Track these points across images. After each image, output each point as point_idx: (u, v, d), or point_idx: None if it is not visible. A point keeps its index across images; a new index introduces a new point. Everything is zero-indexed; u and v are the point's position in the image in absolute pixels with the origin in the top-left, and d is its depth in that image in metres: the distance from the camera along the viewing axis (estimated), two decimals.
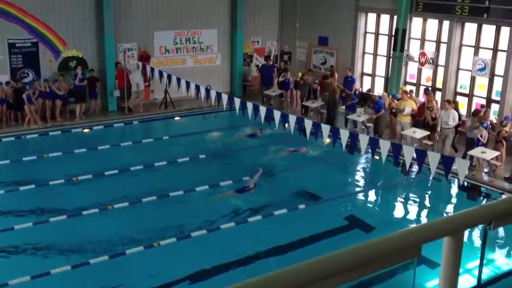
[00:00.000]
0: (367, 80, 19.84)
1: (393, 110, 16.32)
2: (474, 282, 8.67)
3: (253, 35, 22.00)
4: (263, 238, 10.73)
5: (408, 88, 17.61)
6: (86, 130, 17.32)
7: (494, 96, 15.97)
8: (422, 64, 17.42)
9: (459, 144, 14.93)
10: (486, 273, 9.65)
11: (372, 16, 19.27)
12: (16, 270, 9.28)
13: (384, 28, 18.92)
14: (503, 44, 15.46)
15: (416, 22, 17.75)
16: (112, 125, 17.89)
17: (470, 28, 16.33)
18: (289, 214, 11.68)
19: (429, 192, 14.07)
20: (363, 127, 17.01)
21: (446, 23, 16.82)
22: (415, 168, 13.59)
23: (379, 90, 18.85)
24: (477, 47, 16.18)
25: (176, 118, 19.04)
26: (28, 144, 16.27)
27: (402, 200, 13.68)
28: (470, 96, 16.61)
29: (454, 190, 13.75)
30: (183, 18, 20.32)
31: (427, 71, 17.71)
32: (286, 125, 13.82)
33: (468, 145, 14.28)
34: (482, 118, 14.24)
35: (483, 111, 14.71)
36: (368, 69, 19.73)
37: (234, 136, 17.34)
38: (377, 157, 13.26)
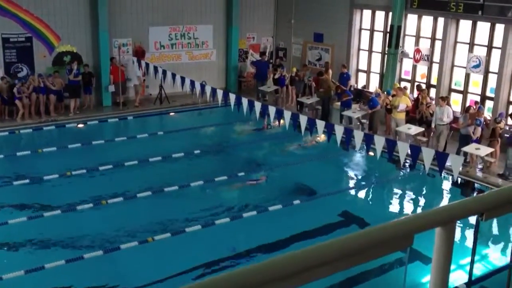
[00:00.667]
0: (362, 77, 19.87)
1: (388, 107, 16.36)
2: (465, 277, 8.72)
3: (248, 31, 21.99)
4: (257, 234, 10.75)
5: (402, 84, 17.67)
6: (80, 125, 17.28)
7: (488, 93, 16.03)
8: (417, 60, 17.45)
9: (453, 141, 14.99)
10: (479, 268, 9.71)
11: (367, 13, 19.28)
12: (10, 264, 9.28)
13: (379, 24, 18.94)
14: (498, 41, 15.51)
15: (411, 19, 17.78)
16: (107, 120, 17.85)
17: (465, 25, 16.38)
18: (283, 210, 11.70)
19: (423, 188, 14.12)
20: (358, 123, 17.05)
21: (441, 20, 16.85)
22: (410, 164, 13.64)
23: (374, 86, 18.88)
24: (471, 44, 16.22)
25: (171, 114, 19.02)
26: (22, 139, 16.23)
27: (396, 196, 13.73)
28: (464, 93, 16.66)
29: (448, 186, 13.81)
30: (178, 13, 20.27)
31: (422, 68, 17.75)
32: (281, 121, 13.85)
33: (462, 142, 14.34)
34: (474, 115, 14.29)
35: (477, 107, 14.76)
36: (363, 65, 19.75)
37: (240, 129, 17.26)
38: (371, 153, 13.31)
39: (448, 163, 11.30)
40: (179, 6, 20.23)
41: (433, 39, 17.26)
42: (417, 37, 17.70)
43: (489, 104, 15.91)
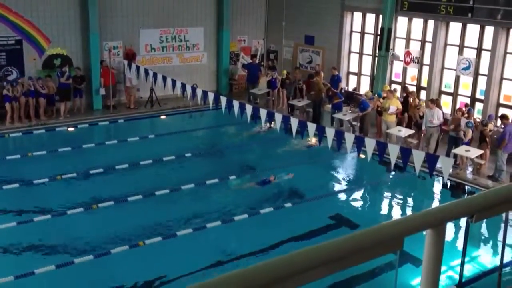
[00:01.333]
0: (353, 79, 19.92)
1: (379, 109, 16.41)
2: (456, 279, 8.75)
3: (239, 33, 21.98)
4: (248, 237, 10.73)
5: (393, 87, 17.71)
6: (71, 129, 17.19)
7: (478, 95, 16.12)
8: (407, 63, 17.53)
9: (444, 143, 15.04)
10: (469, 270, 9.75)
11: (358, 15, 19.34)
12: None
13: (370, 27, 19.01)
14: (487, 43, 15.60)
15: (402, 22, 17.85)
16: (97, 123, 17.77)
17: (455, 27, 16.46)
18: (275, 213, 11.69)
19: (414, 190, 14.16)
20: (349, 125, 17.08)
21: (431, 23, 16.94)
22: (400, 166, 13.67)
23: (364, 89, 18.93)
24: (461, 47, 16.32)
25: (162, 117, 18.97)
26: (12, 143, 16.11)
27: (387, 198, 13.76)
28: (454, 95, 16.74)
29: (439, 188, 13.86)
30: (169, 16, 20.24)
31: (412, 70, 17.82)
32: (272, 124, 13.86)
33: (450, 144, 14.42)
34: (457, 120, 14.37)
35: (467, 109, 14.83)
36: (354, 68, 19.80)
37: (244, 132, 17.19)
38: (362, 156, 13.33)
39: (438, 165, 11.33)
40: (170, 9, 20.20)
41: (423, 41, 17.34)
42: (408, 39, 17.77)
43: (479, 106, 16.00)
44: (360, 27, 19.33)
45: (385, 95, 16.39)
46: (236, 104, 14.43)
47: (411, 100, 16.16)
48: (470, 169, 14.10)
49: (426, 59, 17.16)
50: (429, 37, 17.04)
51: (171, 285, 9.15)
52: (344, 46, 19.62)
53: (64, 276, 9.13)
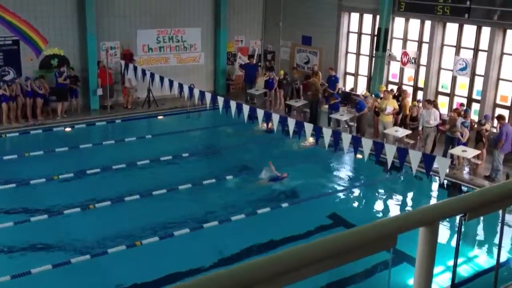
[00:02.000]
0: (350, 80, 19.95)
1: (376, 109, 16.45)
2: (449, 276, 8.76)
3: (237, 34, 22.00)
4: (245, 237, 10.74)
5: (390, 87, 17.74)
6: (68, 129, 17.18)
7: (475, 96, 16.16)
8: (404, 63, 17.56)
9: (441, 143, 15.09)
10: (465, 270, 9.77)
11: (355, 16, 19.37)
12: None
13: (367, 27, 19.04)
14: (484, 44, 15.64)
15: (399, 22, 17.88)
16: (95, 123, 17.76)
17: (452, 28, 16.50)
18: (272, 213, 11.70)
19: (411, 190, 14.19)
20: (346, 126, 17.11)
21: (428, 23, 16.98)
22: (397, 166, 13.70)
23: (362, 89, 18.96)
24: (458, 47, 16.35)
25: (160, 117, 18.96)
26: (8, 143, 16.08)
27: (384, 198, 13.78)
28: (451, 95, 16.78)
29: (435, 188, 13.89)
30: (167, 16, 20.24)
31: (409, 71, 17.85)
32: (270, 124, 13.87)
33: (447, 144, 14.46)
34: (453, 120, 14.42)
35: (463, 110, 14.88)
36: (351, 68, 19.83)
37: (249, 131, 17.16)
38: (359, 156, 13.35)
39: (435, 165, 11.37)
40: (167, 9, 20.20)
41: (420, 42, 17.37)
42: (404, 40, 17.81)
43: (475, 106, 16.04)
44: (357, 28, 19.36)
45: (382, 95, 16.44)
46: (233, 104, 14.44)
47: (401, 99, 16.31)
48: (466, 169, 14.14)
49: (423, 60, 17.19)
50: (426, 37, 17.08)
51: (167, 285, 9.15)
52: (341, 46, 19.64)
53: (61, 276, 9.13)
